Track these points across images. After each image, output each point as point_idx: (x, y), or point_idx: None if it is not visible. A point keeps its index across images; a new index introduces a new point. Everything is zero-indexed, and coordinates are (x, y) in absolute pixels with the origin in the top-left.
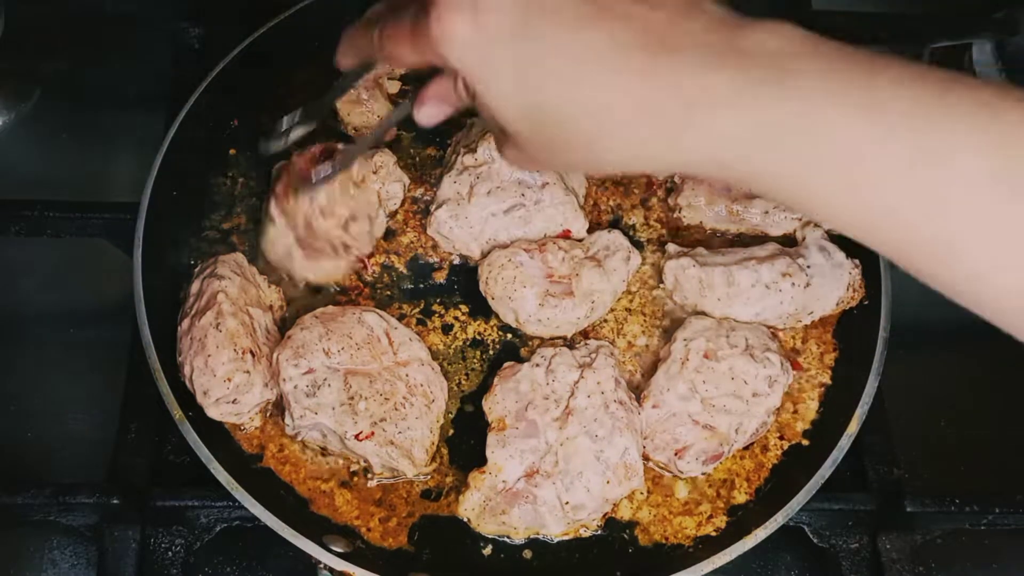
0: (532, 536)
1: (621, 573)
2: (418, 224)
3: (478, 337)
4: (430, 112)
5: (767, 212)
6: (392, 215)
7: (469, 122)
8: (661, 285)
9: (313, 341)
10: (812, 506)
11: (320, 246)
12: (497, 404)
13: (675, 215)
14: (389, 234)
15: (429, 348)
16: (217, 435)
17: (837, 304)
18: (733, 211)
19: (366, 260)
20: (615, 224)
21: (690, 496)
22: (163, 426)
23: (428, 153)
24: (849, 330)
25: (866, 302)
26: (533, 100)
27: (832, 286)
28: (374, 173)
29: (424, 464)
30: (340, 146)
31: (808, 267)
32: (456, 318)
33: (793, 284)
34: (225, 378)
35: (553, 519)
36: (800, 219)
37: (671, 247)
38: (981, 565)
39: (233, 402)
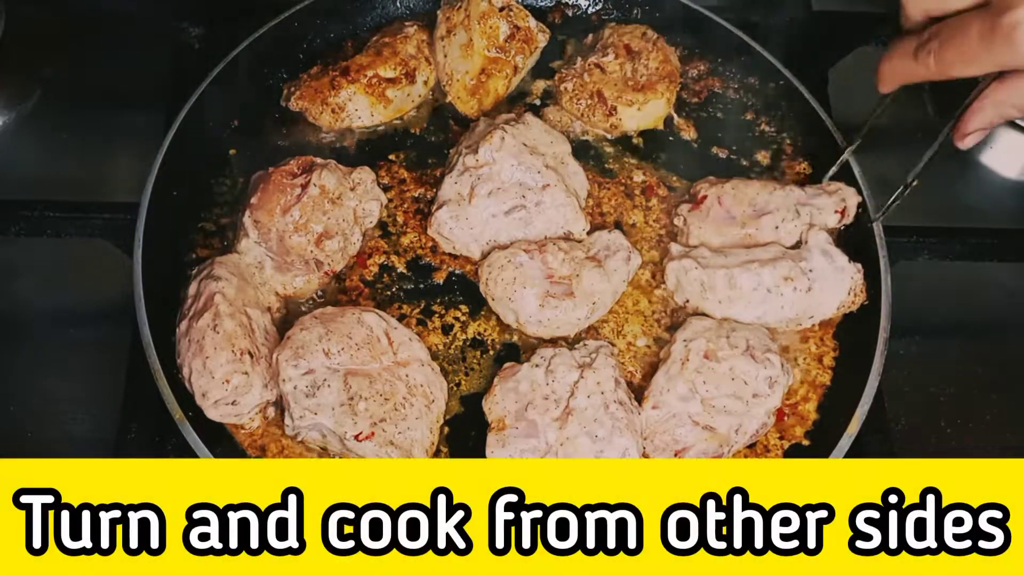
0: None
1: None
2: (418, 224)
3: (478, 337)
4: (975, 139)
5: (777, 227)
6: (367, 233)
7: (472, 123)
8: (663, 285)
9: (313, 342)
10: None
11: (292, 260)
12: (497, 404)
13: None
14: (389, 234)
15: (429, 348)
16: (217, 435)
17: (838, 308)
18: (746, 235)
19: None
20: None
21: None
22: (163, 426)
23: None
24: (849, 331)
25: (866, 303)
26: None
27: (834, 290)
28: (352, 190)
29: None
30: (317, 160)
31: (810, 271)
32: (456, 318)
33: (795, 289)
34: (224, 380)
35: None
36: (808, 223)
37: (674, 247)
38: None
39: (232, 403)
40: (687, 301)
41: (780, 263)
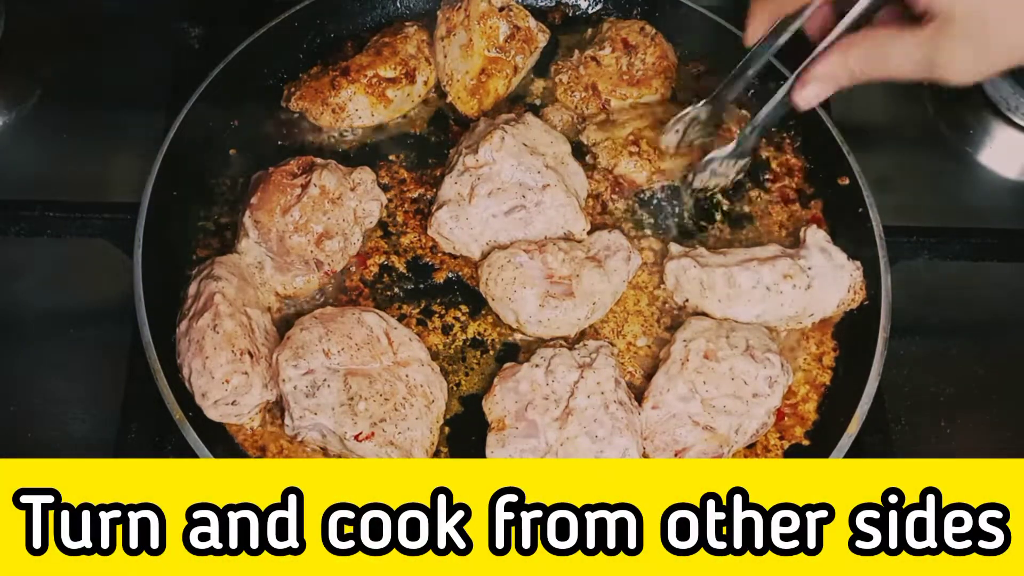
0: None
1: None
2: (418, 224)
3: (478, 337)
4: (813, 92)
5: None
6: (367, 234)
7: (472, 123)
8: (662, 285)
9: (313, 342)
10: None
11: (291, 260)
12: (497, 404)
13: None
14: (389, 234)
15: (429, 348)
16: (217, 435)
17: (838, 306)
18: None
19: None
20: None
21: None
22: (163, 426)
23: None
24: (849, 330)
25: (866, 303)
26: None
27: (833, 288)
28: (352, 190)
29: None
30: (318, 160)
31: (809, 268)
32: (456, 318)
33: (794, 286)
34: (223, 380)
35: None
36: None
37: (673, 247)
38: None
39: (232, 403)
40: (687, 301)
41: (779, 261)
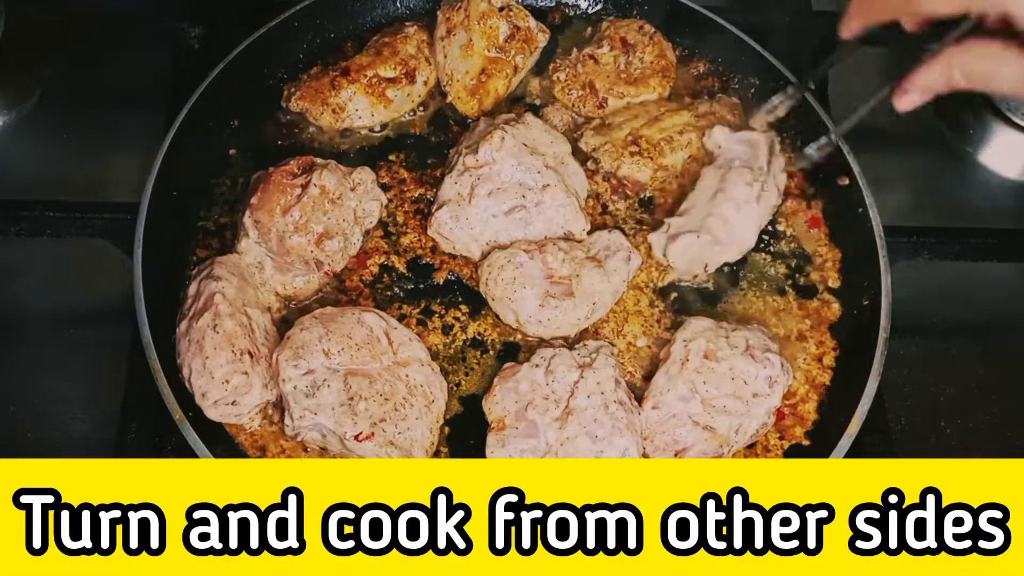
0: None
1: None
2: (418, 224)
3: (478, 337)
4: (913, 100)
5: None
6: (367, 234)
7: (472, 123)
8: (659, 287)
9: (313, 342)
10: None
11: (292, 260)
12: (497, 404)
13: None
14: (389, 234)
15: (429, 348)
16: (217, 435)
17: (785, 164)
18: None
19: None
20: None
21: None
22: (163, 426)
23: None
24: (849, 330)
25: (865, 302)
26: None
27: (776, 157)
28: (352, 190)
29: None
30: (318, 160)
31: (747, 157)
32: (456, 318)
33: (755, 177)
34: (223, 380)
35: None
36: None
37: (654, 240)
38: None
39: (232, 403)
40: (706, 267)
41: (731, 172)
